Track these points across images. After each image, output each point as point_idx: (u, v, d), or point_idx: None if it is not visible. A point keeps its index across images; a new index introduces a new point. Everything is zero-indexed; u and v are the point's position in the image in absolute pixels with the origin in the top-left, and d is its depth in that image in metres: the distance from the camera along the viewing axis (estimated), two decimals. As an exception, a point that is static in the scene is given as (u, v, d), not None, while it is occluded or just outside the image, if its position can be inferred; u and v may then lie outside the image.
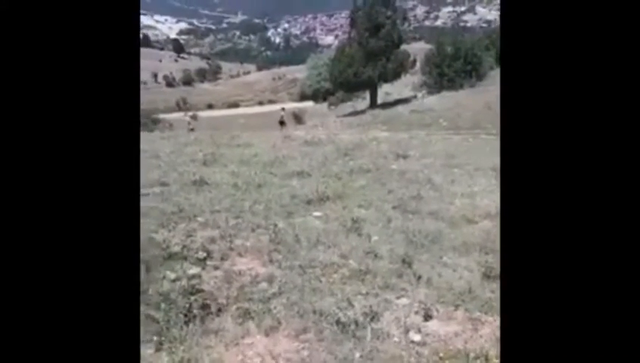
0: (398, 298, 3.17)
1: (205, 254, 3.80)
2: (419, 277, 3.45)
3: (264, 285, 3.33)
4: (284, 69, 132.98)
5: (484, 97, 21.84)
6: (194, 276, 3.40)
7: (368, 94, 31.52)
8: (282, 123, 23.41)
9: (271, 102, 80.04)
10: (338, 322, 2.79)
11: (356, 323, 2.78)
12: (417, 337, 2.73)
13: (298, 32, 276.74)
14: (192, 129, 25.40)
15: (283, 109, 25.81)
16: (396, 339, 2.71)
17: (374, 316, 2.88)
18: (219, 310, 3.01)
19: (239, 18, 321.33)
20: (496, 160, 8.43)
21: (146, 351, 2.55)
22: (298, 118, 37.41)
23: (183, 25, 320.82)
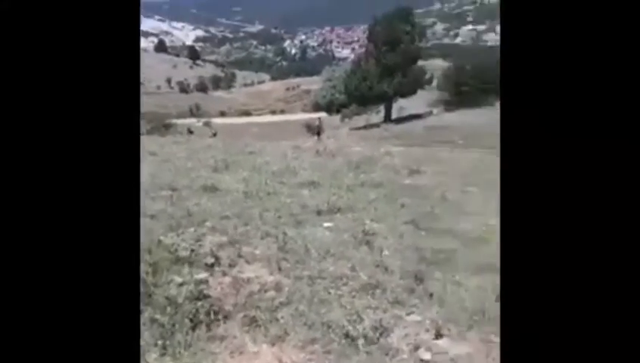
0: (408, 314, 3.08)
1: (213, 260, 3.75)
2: (431, 295, 3.36)
3: (272, 294, 3.27)
4: (298, 80, 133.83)
5: (499, 117, 21.75)
6: (201, 281, 3.35)
7: (382, 108, 31.54)
8: (318, 133, 22.57)
9: (283, 112, 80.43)
10: (347, 335, 2.72)
11: (365, 337, 2.71)
12: (426, 356, 2.65)
13: (315, 44, 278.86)
14: (215, 134, 25.40)
15: (319, 118, 25.35)
16: (405, 355, 2.63)
17: (383, 331, 2.81)
18: (226, 317, 2.95)
19: (256, 28, 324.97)
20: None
21: (150, 355, 2.49)
22: (311, 129, 37.50)
23: (200, 32, 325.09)
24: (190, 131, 28.34)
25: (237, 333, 2.79)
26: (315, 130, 22.97)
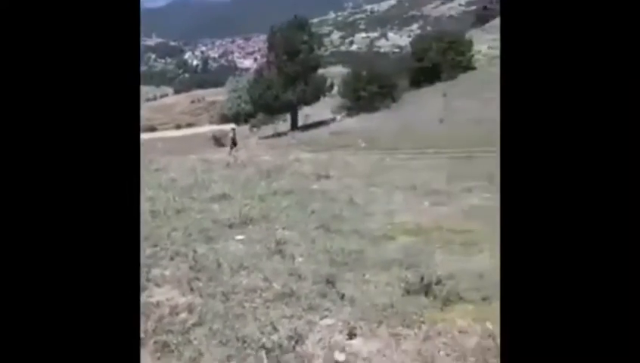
0: (322, 318, 3.16)
1: (119, 287, 3.56)
2: (342, 296, 3.47)
3: (184, 315, 3.18)
4: (202, 91, 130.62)
5: (399, 118, 22.92)
6: (106, 311, 3.17)
7: (288, 117, 31.84)
8: (234, 144, 21.79)
9: (189, 125, 78.07)
10: (262, 347, 2.73)
11: (280, 347, 2.74)
12: (341, 357, 2.73)
13: (216, 55, 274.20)
14: None
15: (233, 129, 24.58)
16: (320, 360, 2.70)
17: (298, 339, 2.85)
18: (135, 346, 2.82)
19: (154, 41, 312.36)
20: (413, 178, 8.84)
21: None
22: (218, 140, 36.81)
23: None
24: None
25: (149, 360, 2.68)
26: (230, 141, 22.40)
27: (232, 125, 25.72)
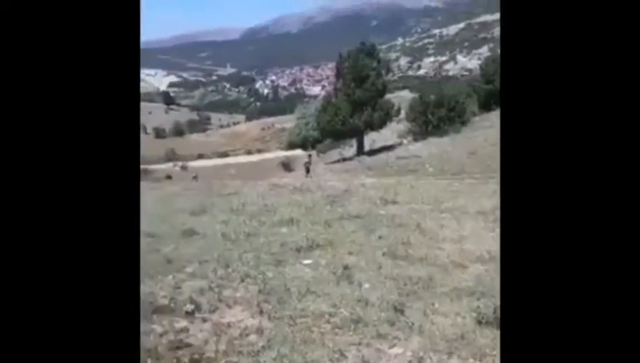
0: (390, 347, 3.11)
1: (193, 306, 3.72)
2: (411, 325, 3.40)
3: (253, 338, 3.25)
4: (272, 119, 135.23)
5: (468, 143, 22.32)
6: (181, 330, 3.32)
7: (354, 142, 32.03)
8: (308, 170, 22.65)
9: (259, 151, 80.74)
10: (330, 374, 2.72)
11: (349, 374, 2.71)
12: (411, 387, 2.66)
13: (285, 84, 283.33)
14: (195, 177, 25.22)
15: (310, 155, 25.33)
16: (389, 390, 2.64)
17: (366, 367, 2.82)
18: (208, 365, 2.92)
19: (228, 71, 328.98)
20: (483, 204, 8.53)
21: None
22: (287, 166, 37.73)
23: (173, 78, 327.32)
24: (168, 177, 28.04)
25: (220, 380, 2.76)
26: (305, 166, 22.99)
27: (309, 152, 26.35)
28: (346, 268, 4.70)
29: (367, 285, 4.30)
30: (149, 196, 11.18)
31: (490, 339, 3.13)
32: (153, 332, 3.25)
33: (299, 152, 49.12)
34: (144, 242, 5.80)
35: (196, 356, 2.97)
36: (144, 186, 15.67)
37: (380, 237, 6.12)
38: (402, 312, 3.61)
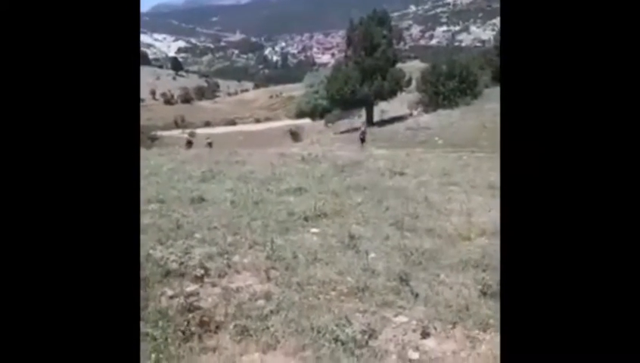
0: (396, 315, 3.17)
1: (203, 271, 3.80)
2: (416, 295, 3.46)
3: (262, 302, 3.33)
4: (280, 87, 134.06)
5: (479, 116, 22.06)
6: (191, 293, 3.40)
7: (364, 112, 31.78)
8: (363, 140, 21.96)
9: (267, 119, 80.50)
10: (337, 340, 2.79)
11: (355, 340, 2.78)
12: (415, 355, 2.73)
13: (295, 51, 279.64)
14: (210, 144, 25.21)
15: (364, 125, 24.76)
16: (394, 357, 2.71)
17: (371, 334, 2.89)
18: (217, 327, 3.00)
19: (237, 37, 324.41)
20: (492, 178, 8.52)
21: (144, 368, 2.54)
22: (295, 135, 37.61)
23: (181, 43, 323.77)
24: (189, 143, 28.22)
25: (228, 343, 2.85)
26: (360, 136, 21.95)
27: (363, 124, 25.99)
28: (352, 237, 4.75)
29: (373, 255, 4.35)
30: (158, 162, 11.24)
31: (494, 311, 3.17)
32: (164, 295, 3.33)
33: (307, 121, 48.88)
34: (155, 208, 5.88)
35: (205, 319, 3.05)
36: (153, 152, 15.74)
37: (387, 209, 6.15)
38: (407, 282, 3.66)
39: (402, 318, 3.14)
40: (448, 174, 9.52)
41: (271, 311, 3.18)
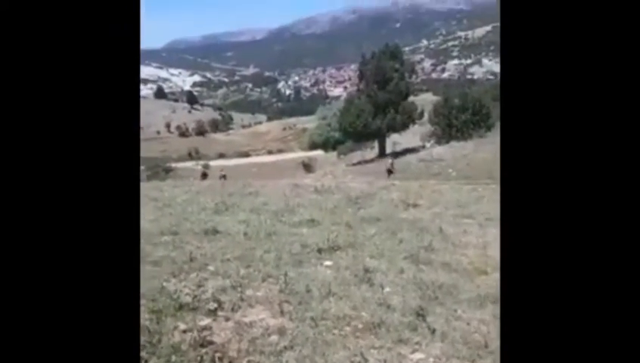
0: (412, 352, 3.09)
1: (216, 305, 3.77)
2: (433, 331, 3.37)
3: (275, 338, 3.28)
4: (294, 119, 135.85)
5: (493, 148, 22.01)
6: (205, 327, 3.36)
7: (376, 144, 31.94)
8: (390, 172, 21.70)
9: (280, 151, 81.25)
10: (352, 377, 2.73)
11: (370, 378, 2.71)
12: (432, 394, 2.65)
13: (308, 85, 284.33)
14: (224, 176, 25.49)
15: (392, 159, 24.80)
16: (411, 395, 2.63)
17: (388, 371, 2.81)
18: (230, 363, 2.95)
19: (251, 71, 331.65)
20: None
21: (156, 405, 2.49)
22: (308, 166, 37.83)
23: (197, 78, 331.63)
24: (204, 175, 28.65)
25: (242, 379, 2.79)
26: (387, 170, 21.64)
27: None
28: (367, 271, 4.69)
29: (388, 289, 4.28)
30: (172, 194, 11.34)
31: (514, 348, 3.08)
32: (177, 329, 3.30)
33: (320, 153, 49.21)
34: (168, 240, 5.90)
35: (219, 354, 3.00)
36: (168, 184, 15.91)
37: (401, 241, 6.09)
38: (423, 318, 3.58)
39: (418, 355, 3.06)
40: (462, 206, 9.44)
41: (285, 347, 3.12)
